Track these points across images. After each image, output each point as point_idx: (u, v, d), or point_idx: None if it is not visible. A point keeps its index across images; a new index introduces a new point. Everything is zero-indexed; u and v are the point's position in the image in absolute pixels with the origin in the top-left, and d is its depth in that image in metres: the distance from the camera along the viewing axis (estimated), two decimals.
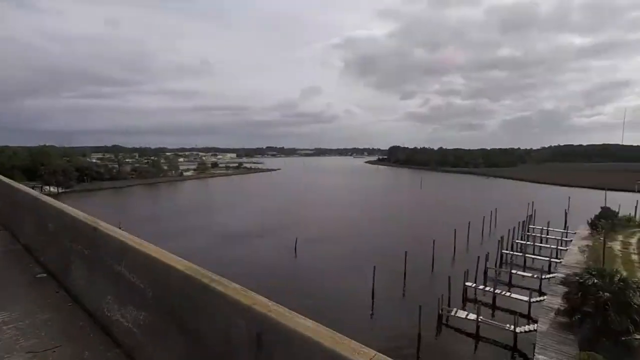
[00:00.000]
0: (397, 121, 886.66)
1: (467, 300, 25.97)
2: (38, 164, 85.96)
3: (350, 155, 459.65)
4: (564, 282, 21.84)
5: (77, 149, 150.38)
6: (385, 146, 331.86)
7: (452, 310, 22.98)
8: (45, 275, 3.94)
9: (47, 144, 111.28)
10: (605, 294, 17.75)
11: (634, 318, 17.29)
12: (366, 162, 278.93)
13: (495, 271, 30.99)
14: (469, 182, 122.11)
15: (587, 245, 35.03)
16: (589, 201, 64.25)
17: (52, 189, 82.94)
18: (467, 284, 26.84)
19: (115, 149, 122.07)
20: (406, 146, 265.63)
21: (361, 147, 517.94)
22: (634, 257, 32.39)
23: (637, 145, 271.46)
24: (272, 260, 35.08)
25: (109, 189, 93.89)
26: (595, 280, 18.58)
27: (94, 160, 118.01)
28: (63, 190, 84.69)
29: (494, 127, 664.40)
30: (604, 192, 58.12)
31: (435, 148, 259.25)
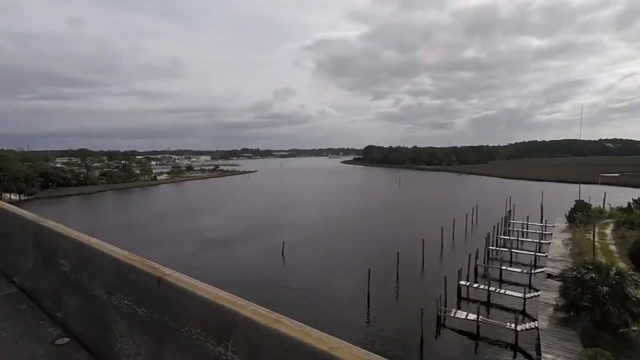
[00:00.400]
0: (370, 121, 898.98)
1: (462, 299, 25.80)
2: None
3: (326, 155, 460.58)
4: (559, 277, 22.06)
5: (39, 153, 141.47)
6: (360, 146, 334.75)
7: (450, 311, 22.67)
8: (68, 339, 2.62)
9: (4, 149, 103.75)
10: (604, 287, 17.94)
11: (632, 310, 17.58)
12: (342, 162, 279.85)
13: (485, 268, 31.15)
14: (444, 180, 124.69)
15: (569, 238, 36.06)
16: (560, 194, 66.93)
17: (12, 196, 77.38)
18: (461, 282, 26.68)
19: (82, 153, 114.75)
20: (381, 145, 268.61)
21: (336, 147, 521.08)
22: (612, 247, 33.65)
23: (594, 140, 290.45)
24: (259, 266, 33.77)
25: (77, 195, 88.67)
26: (593, 275, 18.78)
27: (59, 165, 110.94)
28: (25, 198, 79.25)
29: (463, 125, 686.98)
30: (569, 185, 60.59)
31: (410, 147, 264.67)
